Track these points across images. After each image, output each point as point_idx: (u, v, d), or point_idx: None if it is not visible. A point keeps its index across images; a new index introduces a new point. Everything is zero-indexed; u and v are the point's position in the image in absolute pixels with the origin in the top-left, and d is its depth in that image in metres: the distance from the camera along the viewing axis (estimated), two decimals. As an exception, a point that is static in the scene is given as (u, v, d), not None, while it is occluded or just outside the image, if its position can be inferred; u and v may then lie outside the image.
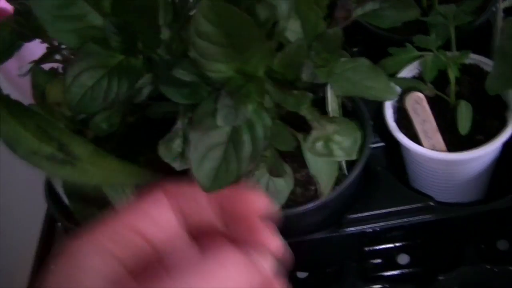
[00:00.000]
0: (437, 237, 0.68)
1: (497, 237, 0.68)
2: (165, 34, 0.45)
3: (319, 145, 0.52)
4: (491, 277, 0.64)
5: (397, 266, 0.69)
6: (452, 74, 0.62)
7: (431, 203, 0.63)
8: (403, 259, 0.71)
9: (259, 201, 0.29)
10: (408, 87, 0.65)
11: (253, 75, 0.41)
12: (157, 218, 0.28)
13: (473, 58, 0.65)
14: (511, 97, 0.62)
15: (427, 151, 0.60)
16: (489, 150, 0.59)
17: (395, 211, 0.64)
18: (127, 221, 0.27)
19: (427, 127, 0.59)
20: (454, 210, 0.63)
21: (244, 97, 0.39)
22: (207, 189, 0.32)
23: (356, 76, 0.53)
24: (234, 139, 0.40)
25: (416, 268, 0.70)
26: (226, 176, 0.39)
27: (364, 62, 0.53)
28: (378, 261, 0.70)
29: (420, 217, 0.64)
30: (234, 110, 0.39)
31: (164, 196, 0.29)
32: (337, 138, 0.52)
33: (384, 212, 0.64)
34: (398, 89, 0.60)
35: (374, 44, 0.73)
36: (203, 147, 0.39)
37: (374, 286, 0.65)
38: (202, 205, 0.30)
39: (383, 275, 0.68)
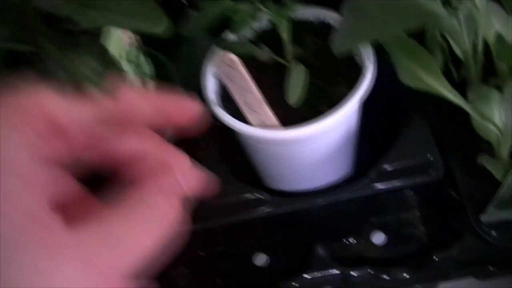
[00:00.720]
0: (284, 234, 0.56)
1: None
2: None
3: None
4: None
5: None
6: (285, 32, 0.47)
7: (261, 196, 0.48)
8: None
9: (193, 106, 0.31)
10: (238, 51, 0.51)
11: None
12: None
13: (321, 14, 0.51)
14: (363, 58, 0.47)
15: (249, 128, 0.46)
16: (333, 123, 0.44)
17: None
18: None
19: (249, 98, 0.44)
20: (289, 202, 0.48)
21: None
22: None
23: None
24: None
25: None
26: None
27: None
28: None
29: (251, 211, 0.48)
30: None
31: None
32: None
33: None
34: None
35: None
36: None
37: None
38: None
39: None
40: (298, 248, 0.60)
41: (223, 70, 0.43)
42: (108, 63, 0.41)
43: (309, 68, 0.51)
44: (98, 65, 0.41)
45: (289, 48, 0.50)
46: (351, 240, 0.62)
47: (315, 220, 0.57)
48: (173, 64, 0.57)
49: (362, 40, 0.49)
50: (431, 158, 0.49)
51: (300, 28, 0.53)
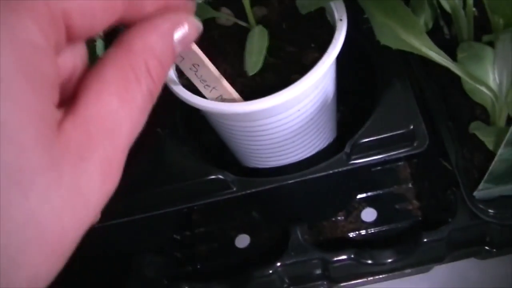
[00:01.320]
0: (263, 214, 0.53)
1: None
2: None
3: None
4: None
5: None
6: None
7: (224, 177, 0.42)
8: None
9: None
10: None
11: None
12: None
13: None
14: (335, 16, 0.41)
15: (210, 103, 0.40)
16: (301, 91, 0.38)
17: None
18: None
19: (204, 74, 0.38)
20: (255, 183, 0.42)
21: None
22: None
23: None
24: None
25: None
26: None
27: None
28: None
29: (216, 194, 0.43)
30: None
31: None
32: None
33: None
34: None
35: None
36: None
37: None
38: None
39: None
40: (277, 230, 0.55)
41: None
42: None
43: (276, 31, 0.45)
44: None
45: (248, 8, 0.43)
46: (339, 218, 0.57)
47: (295, 198, 0.52)
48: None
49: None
50: (414, 128, 0.43)
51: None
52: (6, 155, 0.18)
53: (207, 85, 0.40)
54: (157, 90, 0.24)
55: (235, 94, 0.41)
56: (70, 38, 0.22)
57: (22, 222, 0.18)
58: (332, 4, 0.44)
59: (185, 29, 0.25)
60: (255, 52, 0.41)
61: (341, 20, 0.43)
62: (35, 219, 0.18)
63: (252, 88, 0.44)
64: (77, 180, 0.20)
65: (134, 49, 0.23)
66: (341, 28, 0.42)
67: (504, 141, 0.37)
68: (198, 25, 0.26)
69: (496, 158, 0.39)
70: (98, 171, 0.20)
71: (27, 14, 0.20)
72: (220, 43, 0.46)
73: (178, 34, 0.25)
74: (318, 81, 0.41)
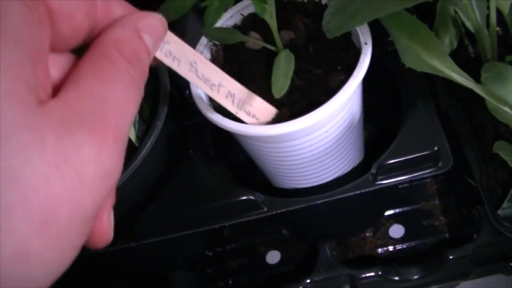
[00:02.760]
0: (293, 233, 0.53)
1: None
2: None
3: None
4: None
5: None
6: (268, 16, 0.43)
7: (254, 198, 0.44)
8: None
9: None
10: (224, 40, 0.47)
11: None
12: None
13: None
14: (360, 40, 0.43)
15: (236, 125, 0.41)
16: (329, 113, 0.40)
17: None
18: None
19: (203, 70, 0.39)
20: (284, 204, 0.44)
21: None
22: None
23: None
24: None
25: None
26: None
27: None
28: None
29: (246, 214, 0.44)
30: None
31: None
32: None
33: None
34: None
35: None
36: None
37: None
38: None
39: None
40: (307, 247, 0.56)
41: (164, 52, 0.35)
42: None
43: (303, 54, 0.47)
44: None
45: (276, 33, 0.45)
46: (367, 234, 0.58)
47: (323, 217, 0.53)
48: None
49: (359, 21, 0.44)
50: (438, 149, 0.44)
51: (289, 9, 0.49)
52: None
53: (212, 84, 0.40)
54: (136, 71, 0.25)
55: (238, 85, 0.42)
56: (55, 44, 0.24)
57: (0, 179, 0.17)
58: (358, 29, 0.45)
59: (147, 19, 0.27)
60: (282, 76, 0.42)
61: (366, 43, 0.44)
62: (16, 178, 0.18)
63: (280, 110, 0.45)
64: (63, 148, 0.19)
65: (103, 41, 0.25)
66: (366, 52, 0.43)
67: (525, 162, 0.38)
68: (160, 17, 0.28)
69: (519, 178, 0.40)
70: (88, 142, 0.20)
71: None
72: (248, 66, 0.47)
73: (142, 24, 0.27)
74: (344, 103, 0.43)
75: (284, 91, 0.42)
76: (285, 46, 0.47)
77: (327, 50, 0.47)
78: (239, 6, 0.49)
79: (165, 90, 0.47)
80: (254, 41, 0.47)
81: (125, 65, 0.24)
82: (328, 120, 0.43)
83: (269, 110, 0.43)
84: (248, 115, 0.42)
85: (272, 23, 0.44)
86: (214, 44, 0.49)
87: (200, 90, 0.45)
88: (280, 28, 0.47)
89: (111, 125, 0.22)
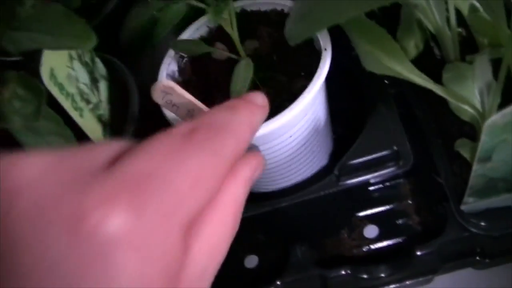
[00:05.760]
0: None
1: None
2: None
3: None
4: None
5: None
6: (229, 27, 0.45)
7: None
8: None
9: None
10: (191, 51, 0.49)
11: None
12: None
13: (274, 2, 0.48)
14: (321, 46, 0.44)
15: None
16: (290, 118, 0.41)
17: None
18: None
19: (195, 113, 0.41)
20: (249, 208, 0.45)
21: None
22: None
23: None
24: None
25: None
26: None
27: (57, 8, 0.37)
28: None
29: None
30: None
31: None
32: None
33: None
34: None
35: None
36: None
37: None
38: None
39: None
40: (282, 250, 0.57)
41: (165, 101, 0.39)
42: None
43: (267, 62, 0.48)
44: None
45: (238, 43, 0.47)
46: (342, 236, 0.59)
47: (294, 219, 0.55)
48: (134, 71, 0.55)
49: (318, 27, 0.46)
50: (398, 149, 0.45)
51: (253, 20, 0.50)
52: None
53: None
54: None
55: None
56: None
57: None
58: (319, 35, 0.46)
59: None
60: (240, 81, 0.44)
61: (325, 49, 0.45)
62: None
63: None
64: None
65: None
66: (325, 58, 0.45)
67: (476, 158, 0.40)
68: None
69: (472, 174, 0.42)
70: None
71: None
72: (215, 76, 0.49)
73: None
74: (307, 108, 0.44)
75: (242, 93, 0.43)
76: (250, 56, 0.48)
77: (291, 58, 0.48)
78: (205, 18, 0.50)
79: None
80: (219, 52, 0.48)
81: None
82: (292, 125, 0.45)
83: None
84: None
85: (234, 33, 0.46)
86: (181, 56, 0.50)
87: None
88: (244, 38, 0.48)
89: None
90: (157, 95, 0.38)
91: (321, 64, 0.44)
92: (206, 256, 0.23)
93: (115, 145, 0.23)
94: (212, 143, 0.24)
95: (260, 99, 0.29)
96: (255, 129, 0.28)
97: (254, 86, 0.46)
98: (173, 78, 0.48)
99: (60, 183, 0.20)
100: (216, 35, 0.51)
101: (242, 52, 0.47)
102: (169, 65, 0.48)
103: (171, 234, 0.20)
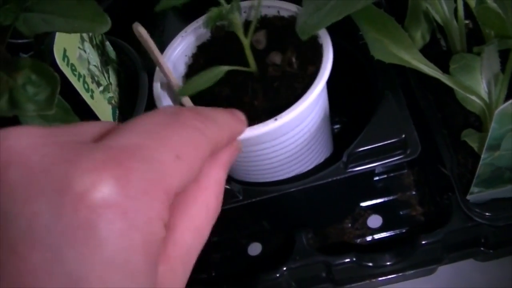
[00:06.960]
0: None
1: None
2: None
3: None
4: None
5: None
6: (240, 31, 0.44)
7: (227, 186, 0.46)
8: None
9: None
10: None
11: None
12: None
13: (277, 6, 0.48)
14: (323, 45, 0.44)
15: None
16: (294, 117, 0.41)
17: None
18: None
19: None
20: (260, 192, 0.46)
21: None
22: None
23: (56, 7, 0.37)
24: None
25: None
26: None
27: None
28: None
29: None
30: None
31: None
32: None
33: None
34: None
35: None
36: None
37: None
38: None
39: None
40: (286, 237, 0.57)
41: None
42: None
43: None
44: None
45: (249, 53, 0.46)
46: (346, 225, 0.60)
47: (300, 206, 0.55)
48: (142, 54, 0.55)
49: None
50: (406, 137, 0.45)
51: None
52: None
53: None
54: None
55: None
56: None
57: None
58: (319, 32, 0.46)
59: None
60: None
61: (326, 48, 0.45)
62: None
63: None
64: None
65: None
66: (327, 56, 0.44)
67: (485, 146, 0.40)
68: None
69: (480, 163, 0.42)
70: None
71: None
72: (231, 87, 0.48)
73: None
74: (311, 106, 0.44)
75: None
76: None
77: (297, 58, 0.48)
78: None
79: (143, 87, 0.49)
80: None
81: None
82: (296, 123, 0.44)
83: None
84: None
85: (245, 41, 0.45)
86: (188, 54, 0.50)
87: (159, 86, 0.46)
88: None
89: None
90: None
91: (324, 63, 0.44)
92: (190, 237, 0.24)
93: (104, 123, 0.25)
94: (197, 123, 0.24)
95: (242, 115, 0.30)
96: (235, 135, 0.28)
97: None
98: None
99: (48, 155, 0.20)
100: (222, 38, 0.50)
101: (252, 64, 0.46)
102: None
103: (155, 203, 0.21)
